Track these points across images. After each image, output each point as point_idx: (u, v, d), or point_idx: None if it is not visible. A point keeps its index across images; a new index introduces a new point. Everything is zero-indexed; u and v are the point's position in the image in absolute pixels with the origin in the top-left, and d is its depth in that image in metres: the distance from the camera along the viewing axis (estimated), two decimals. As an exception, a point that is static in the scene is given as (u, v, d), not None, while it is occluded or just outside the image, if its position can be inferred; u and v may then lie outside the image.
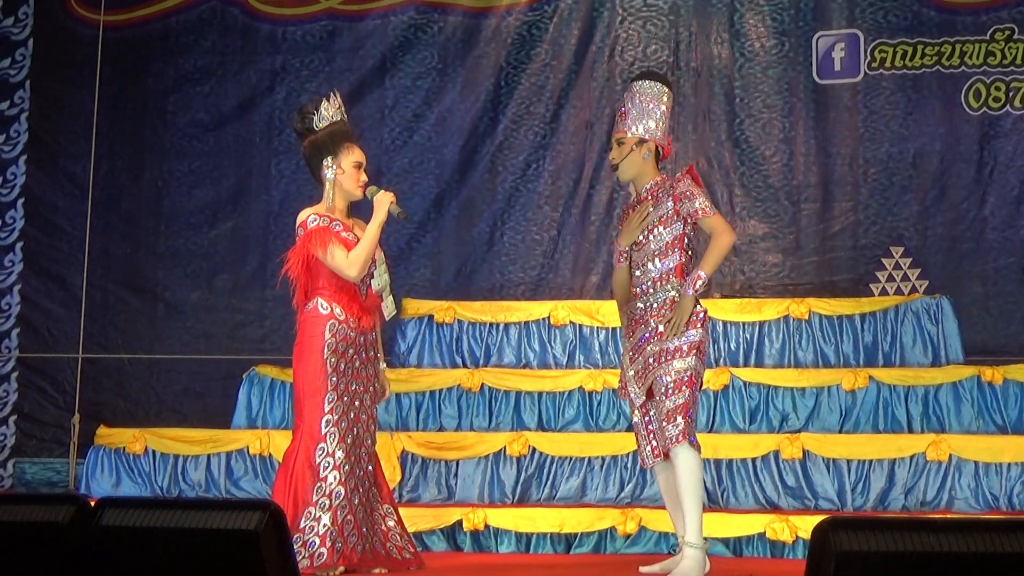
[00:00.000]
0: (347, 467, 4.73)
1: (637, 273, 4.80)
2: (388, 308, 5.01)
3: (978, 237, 7.39)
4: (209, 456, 6.61)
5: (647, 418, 4.76)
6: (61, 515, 3.28)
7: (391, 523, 4.92)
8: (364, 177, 4.97)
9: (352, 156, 4.93)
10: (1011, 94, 7.43)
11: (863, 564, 2.80)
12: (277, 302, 7.96)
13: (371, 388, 4.95)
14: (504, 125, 7.95)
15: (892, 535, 2.81)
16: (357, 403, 4.85)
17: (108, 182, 8.14)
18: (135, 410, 7.76)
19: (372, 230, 4.84)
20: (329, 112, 4.95)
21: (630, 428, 6.41)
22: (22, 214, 8.17)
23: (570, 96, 7.93)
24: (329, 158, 4.90)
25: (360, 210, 5.13)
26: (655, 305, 4.73)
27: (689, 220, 4.74)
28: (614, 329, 6.89)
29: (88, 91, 8.14)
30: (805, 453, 6.10)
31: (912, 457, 6.03)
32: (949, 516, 5.67)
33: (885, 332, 6.82)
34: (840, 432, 6.38)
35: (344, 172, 4.91)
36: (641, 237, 4.78)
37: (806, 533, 5.39)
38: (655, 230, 4.75)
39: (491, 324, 7.12)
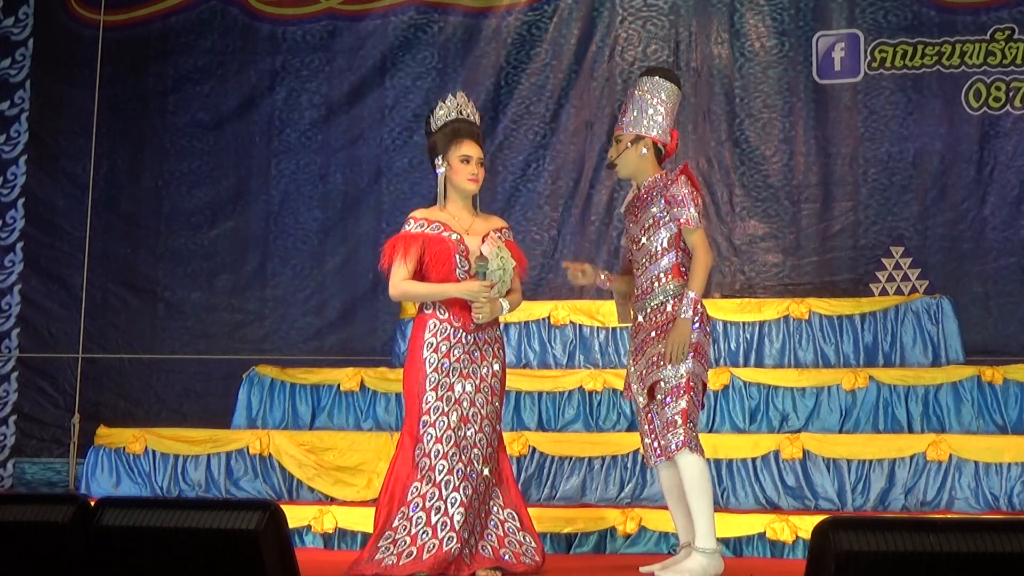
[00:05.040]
0: (443, 468, 4.59)
1: (638, 273, 4.80)
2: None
3: (978, 237, 7.39)
4: (209, 456, 6.60)
5: (649, 416, 4.74)
6: (61, 515, 3.29)
7: (511, 527, 4.74)
8: (474, 170, 4.86)
9: (459, 151, 4.85)
10: (1011, 94, 7.43)
11: (863, 564, 2.80)
12: (277, 302, 7.97)
13: (490, 388, 4.74)
14: (504, 125, 7.95)
15: (892, 535, 2.81)
16: (467, 404, 4.67)
17: (108, 182, 8.14)
18: (135, 410, 7.75)
19: (445, 288, 4.70)
20: (443, 112, 4.92)
21: (630, 428, 6.44)
22: (22, 214, 8.17)
23: (570, 96, 7.93)
24: (440, 157, 4.88)
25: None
26: (654, 305, 4.72)
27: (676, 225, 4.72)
28: (614, 329, 6.89)
29: (88, 91, 8.14)
30: (805, 453, 6.09)
31: (912, 457, 6.02)
32: (949, 516, 5.66)
33: (885, 332, 6.82)
34: (840, 432, 6.38)
35: (451, 168, 4.87)
36: (642, 238, 4.79)
37: (806, 533, 5.39)
38: (651, 229, 4.76)
39: (491, 324, 7.11)
